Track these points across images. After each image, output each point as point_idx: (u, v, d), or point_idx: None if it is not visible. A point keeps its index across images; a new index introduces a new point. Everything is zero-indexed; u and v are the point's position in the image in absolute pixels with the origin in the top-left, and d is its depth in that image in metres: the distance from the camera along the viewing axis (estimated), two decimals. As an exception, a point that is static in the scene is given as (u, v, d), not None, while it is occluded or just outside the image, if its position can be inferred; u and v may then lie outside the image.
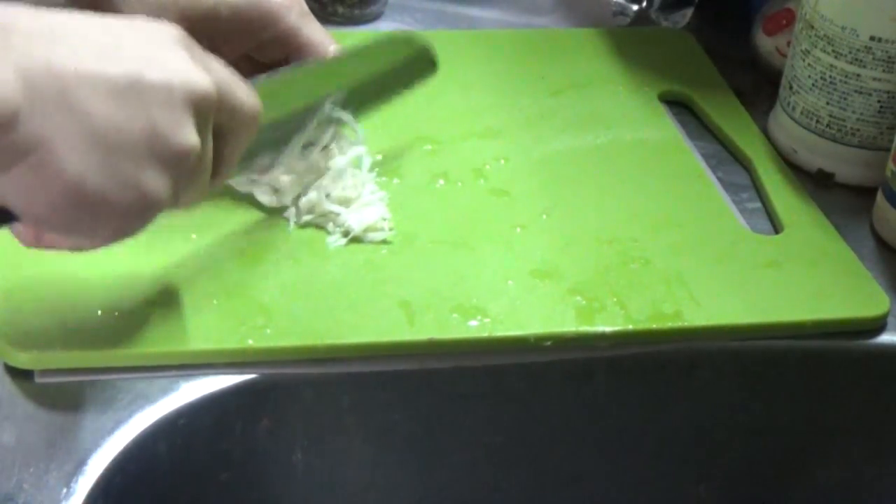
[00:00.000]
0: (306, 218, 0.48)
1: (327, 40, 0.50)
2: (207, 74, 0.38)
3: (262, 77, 0.47)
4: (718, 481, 0.51)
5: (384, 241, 0.48)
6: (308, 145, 0.50)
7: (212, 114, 0.38)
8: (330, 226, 0.48)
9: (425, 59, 0.54)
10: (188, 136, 0.37)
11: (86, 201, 0.35)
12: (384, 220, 0.48)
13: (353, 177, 0.49)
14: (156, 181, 0.36)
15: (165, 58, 0.37)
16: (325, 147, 0.50)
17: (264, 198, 0.49)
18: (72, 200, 0.35)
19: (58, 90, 0.34)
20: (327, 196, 0.48)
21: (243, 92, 0.40)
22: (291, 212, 0.49)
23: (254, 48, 0.50)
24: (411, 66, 0.54)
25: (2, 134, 0.33)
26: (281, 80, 0.48)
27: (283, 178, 0.49)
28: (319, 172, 0.50)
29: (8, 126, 0.33)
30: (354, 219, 0.48)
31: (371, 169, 0.51)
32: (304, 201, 0.48)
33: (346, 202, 0.48)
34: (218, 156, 0.40)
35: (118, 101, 0.35)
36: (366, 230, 0.48)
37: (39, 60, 0.34)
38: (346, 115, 0.50)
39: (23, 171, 0.34)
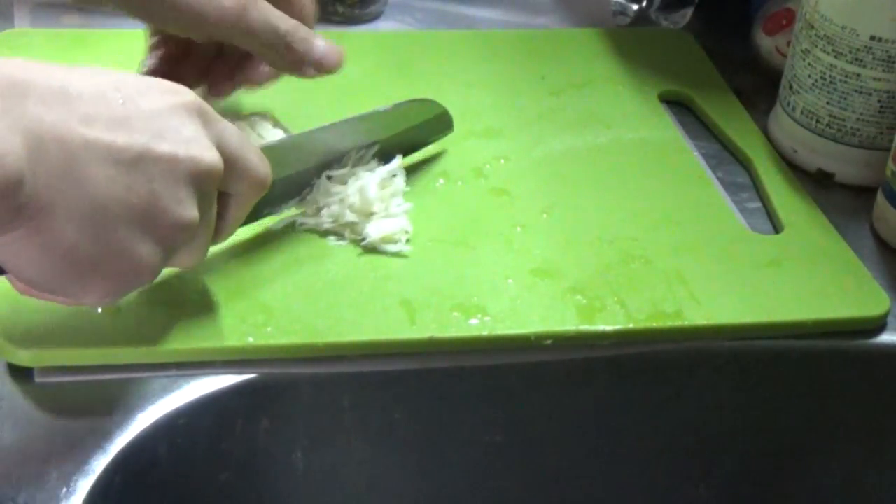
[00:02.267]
0: (326, 226, 0.48)
1: (281, 17, 0.49)
2: (215, 148, 0.38)
3: (276, 140, 0.48)
4: (718, 481, 0.51)
5: (399, 254, 0.47)
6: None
7: (216, 185, 0.39)
8: (347, 232, 0.48)
9: (443, 120, 0.55)
10: (187, 210, 0.37)
11: (76, 266, 0.35)
12: (405, 232, 0.48)
13: (382, 189, 0.49)
14: (147, 252, 0.37)
15: (176, 129, 0.37)
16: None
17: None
18: (63, 264, 0.35)
19: (64, 158, 0.34)
20: (350, 207, 0.48)
21: (254, 158, 0.41)
22: (306, 216, 0.49)
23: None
24: (430, 126, 0.54)
25: (3, 199, 0.32)
26: (295, 141, 0.49)
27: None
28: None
29: (10, 191, 0.32)
30: (373, 228, 0.47)
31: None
32: (325, 212, 0.48)
33: (367, 214, 0.48)
34: (221, 217, 0.41)
35: (122, 173, 0.35)
36: (382, 240, 0.47)
37: (49, 126, 0.33)
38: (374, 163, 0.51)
39: (19, 235, 0.34)
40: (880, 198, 0.53)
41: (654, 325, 0.45)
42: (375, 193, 0.48)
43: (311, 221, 0.48)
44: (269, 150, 0.43)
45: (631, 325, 0.45)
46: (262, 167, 0.41)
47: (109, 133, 0.35)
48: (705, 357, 0.47)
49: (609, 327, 0.45)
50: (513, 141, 0.56)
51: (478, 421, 0.47)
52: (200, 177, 0.37)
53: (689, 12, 0.69)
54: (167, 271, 0.45)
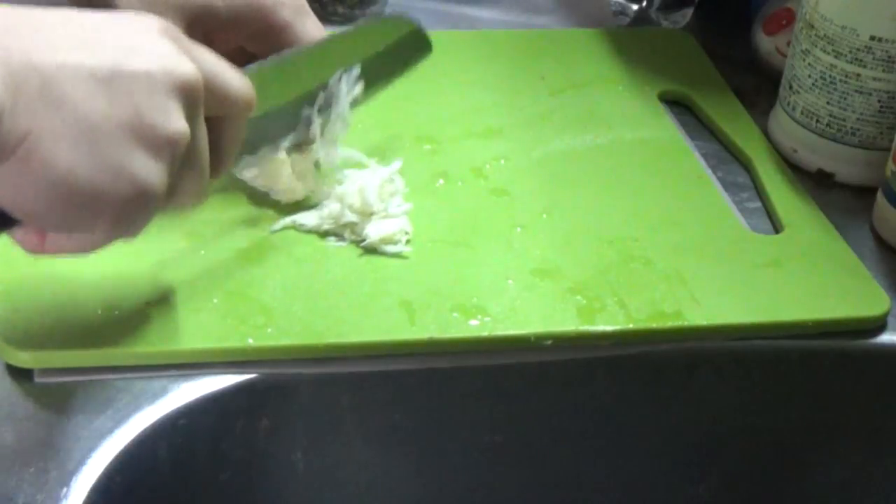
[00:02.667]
0: (326, 227, 0.48)
1: (320, 37, 0.50)
2: (192, 62, 0.37)
3: (255, 65, 0.46)
4: (718, 481, 0.51)
5: (399, 255, 0.47)
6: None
7: (200, 101, 0.38)
8: (347, 233, 0.48)
9: (419, 40, 0.53)
10: (175, 122, 0.36)
11: (78, 193, 0.35)
12: (405, 232, 0.48)
13: (381, 189, 0.49)
14: (147, 169, 0.36)
15: (147, 47, 0.36)
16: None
17: (281, 196, 0.49)
18: (64, 193, 0.35)
19: (40, 83, 0.34)
20: (349, 207, 0.48)
21: (234, 78, 0.40)
22: (305, 216, 0.49)
23: (247, 39, 0.50)
24: (406, 46, 0.53)
25: None
26: (274, 67, 0.47)
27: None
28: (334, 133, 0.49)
29: None
30: (373, 229, 0.47)
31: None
32: (325, 212, 0.48)
33: (367, 214, 0.48)
34: (214, 146, 0.40)
35: (100, 90, 0.35)
36: (382, 241, 0.47)
37: (19, 55, 0.33)
38: (358, 89, 0.50)
39: (11, 167, 0.34)
40: (880, 198, 0.53)
41: (654, 325, 0.45)
42: (375, 194, 0.48)
43: (310, 223, 0.48)
44: (251, 77, 0.42)
45: (631, 326, 0.45)
46: (242, 84, 0.40)
47: (80, 54, 0.35)
48: (705, 357, 0.47)
49: (609, 327, 0.45)
50: (513, 141, 0.56)
51: (478, 421, 0.47)
52: (180, 88, 0.37)
53: (689, 12, 0.69)
54: (166, 271, 0.45)
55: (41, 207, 0.35)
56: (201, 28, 0.48)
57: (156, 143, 0.36)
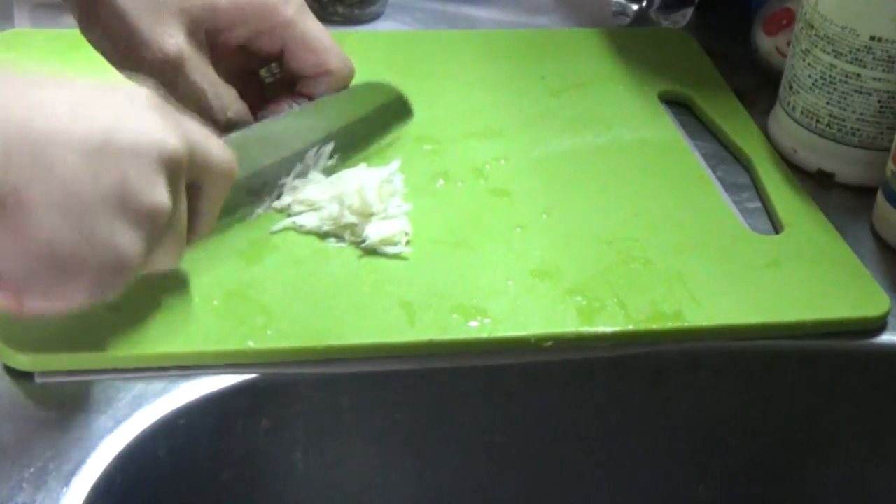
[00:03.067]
0: (326, 228, 0.48)
1: (324, 36, 0.51)
2: (177, 135, 0.38)
3: (237, 133, 0.47)
4: (718, 481, 0.51)
5: (399, 256, 0.47)
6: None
7: (183, 173, 0.39)
8: (347, 234, 0.48)
9: (401, 106, 0.55)
10: (159, 194, 0.37)
11: (58, 260, 0.36)
12: (405, 233, 0.48)
13: (380, 189, 0.49)
14: (128, 240, 0.37)
15: (136, 119, 0.37)
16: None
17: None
18: (45, 260, 0.35)
19: (31, 150, 0.34)
20: (349, 207, 0.48)
21: (216, 147, 0.41)
22: (305, 217, 0.49)
23: (250, 38, 0.50)
24: (388, 112, 0.54)
25: None
26: (255, 133, 0.48)
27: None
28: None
29: None
30: (373, 230, 0.47)
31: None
32: (325, 213, 0.48)
33: (367, 215, 0.48)
34: (194, 212, 0.41)
35: (89, 160, 0.35)
36: (382, 242, 0.47)
37: (13, 125, 0.34)
38: (330, 163, 0.51)
39: None
40: (880, 198, 0.53)
41: (654, 325, 0.45)
42: (375, 195, 0.48)
43: (310, 224, 0.48)
44: (230, 144, 0.43)
45: (631, 326, 0.45)
46: (224, 155, 0.41)
47: (71, 125, 0.35)
48: (705, 358, 0.47)
49: (609, 328, 0.45)
50: (513, 141, 0.56)
51: (478, 422, 0.47)
52: (166, 161, 0.37)
53: (689, 12, 0.69)
54: (166, 273, 0.45)
55: (21, 271, 0.36)
56: (204, 28, 0.48)
57: (138, 214, 0.37)
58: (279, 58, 0.51)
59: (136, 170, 0.36)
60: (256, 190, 0.49)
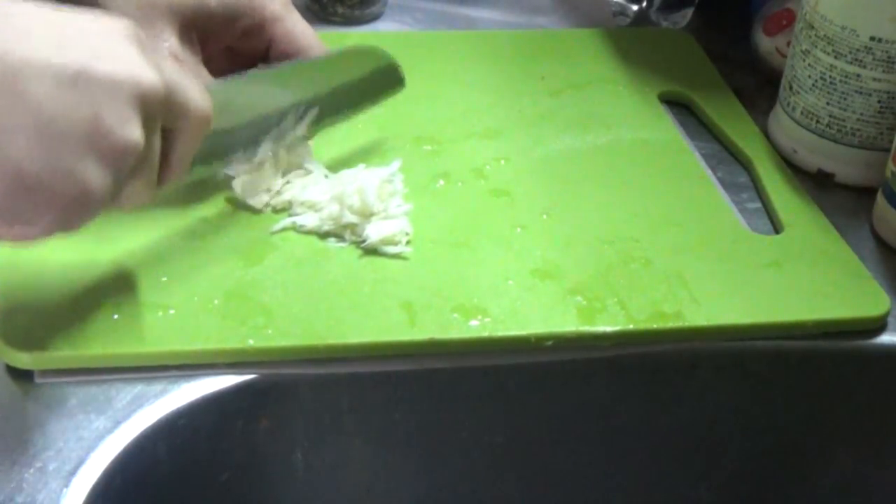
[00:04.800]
0: (326, 228, 0.48)
1: (309, 33, 0.51)
2: (156, 71, 0.38)
3: (219, 81, 0.47)
4: (718, 481, 0.51)
5: (399, 256, 0.47)
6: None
7: (159, 112, 0.38)
8: (347, 234, 0.48)
9: (392, 74, 0.54)
10: (132, 131, 0.37)
11: (24, 186, 0.35)
12: (405, 233, 0.48)
13: (380, 189, 0.49)
14: (96, 173, 0.36)
15: (114, 52, 0.37)
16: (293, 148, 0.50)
17: (257, 201, 0.49)
18: (10, 184, 0.35)
19: (3, 74, 0.34)
20: (349, 207, 0.48)
21: (194, 92, 0.40)
22: (305, 217, 0.49)
23: (237, 36, 0.50)
24: (378, 79, 0.54)
25: None
26: (239, 85, 0.48)
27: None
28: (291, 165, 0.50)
29: None
30: (373, 230, 0.47)
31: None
32: (325, 213, 0.48)
33: (367, 215, 0.48)
34: (166, 157, 0.41)
35: (63, 90, 0.35)
36: (382, 241, 0.47)
37: None
38: (306, 132, 0.51)
39: None
40: (880, 198, 0.53)
41: (655, 325, 0.45)
42: (375, 194, 0.48)
43: (310, 223, 0.48)
44: (213, 93, 0.42)
45: (631, 326, 0.45)
46: (202, 99, 0.41)
47: (47, 52, 0.35)
48: (705, 358, 0.47)
49: (609, 328, 0.45)
50: (513, 141, 0.56)
51: (478, 422, 0.47)
52: (142, 97, 0.37)
53: (689, 12, 0.69)
54: (166, 273, 0.45)
55: None
56: (196, 27, 0.48)
57: (109, 149, 0.36)
58: (265, 57, 0.51)
59: (110, 103, 0.36)
60: (232, 144, 0.48)
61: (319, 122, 0.51)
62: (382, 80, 0.54)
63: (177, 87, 0.39)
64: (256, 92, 0.49)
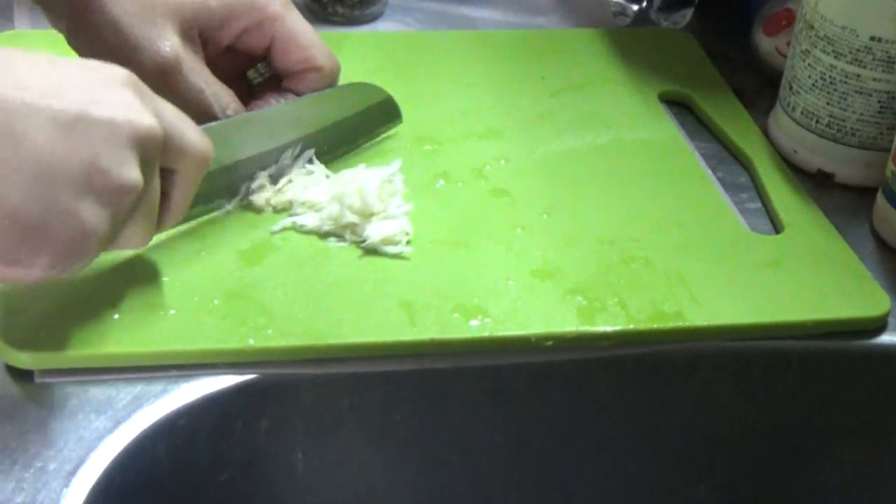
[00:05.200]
0: (326, 228, 0.48)
1: (310, 32, 0.51)
2: (153, 115, 0.38)
3: (216, 122, 0.47)
4: (718, 481, 0.51)
5: (399, 256, 0.47)
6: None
7: (157, 154, 0.39)
8: (347, 234, 0.48)
9: (389, 109, 0.55)
10: (130, 172, 0.37)
11: (22, 229, 0.36)
12: (406, 233, 0.48)
13: (381, 189, 0.49)
14: (93, 215, 0.37)
15: (112, 97, 0.37)
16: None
17: (257, 200, 0.49)
18: (9, 226, 0.36)
19: (3, 120, 0.35)
20: (349, 207, 0.48)
21: (193, 133, 0.41)
22: (306, 217, 0.49)
23: (238, 36, 0.50)
24: (375, 114, 0.54)
25: None
26: (236, 124, 0.48)
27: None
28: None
29: None
30: (374, 230, 0.47)
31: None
32: (325, 213, 0.48)
33: (367, 215, 0.48)
34: (167, 196, 0.41)
35: (61, 134, 0.36)
36: (383, 241, 0.47)
37: None
38: (311, 166, 0.51)
39: None
40: (880, 198, 0.53)
41: (655, 325, 0.45)
42: (375, 194, 0.48)
43: (311, 223, 0.48)
44: (208, 132, 0.43)
45: (631, 326, 0.45)
46: (201, 141, 0.41)
47: (45, 98, 0.36)
48: (706, 357, 0.47)
49: (610, 328, 0.45)
50: (513, 141, 0.56)
51: (478, 422, 0.47)
52: (140, 140, 0.38)
53: (689, 12, 0.69)
54: (167, 272, 0.45)
55: None
56: (197, 26, 0.48)
57: (107, 191, 0.37)
58: (265, 56, 0.51)
59: (108, 146, 0.37)
60: (232, 182, 0.49)
61: (319, 158, 0.52)
62: (380, 114, 0.54)
63: (175, 130, 0.40)
64: (254, 129, 0.49)
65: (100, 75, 0.38)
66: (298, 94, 0.51)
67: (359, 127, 0.54)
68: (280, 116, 0.50)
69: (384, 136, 0.55)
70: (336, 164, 0.52)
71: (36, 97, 0.36)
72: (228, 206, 0.49)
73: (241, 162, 0.49)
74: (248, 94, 0.52)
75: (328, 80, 0.51)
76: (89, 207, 0.37)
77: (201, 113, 0.47)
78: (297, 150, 0.51)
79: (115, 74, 0.38)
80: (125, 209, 0.38)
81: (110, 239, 0.39)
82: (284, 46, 0.50)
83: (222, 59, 0.50)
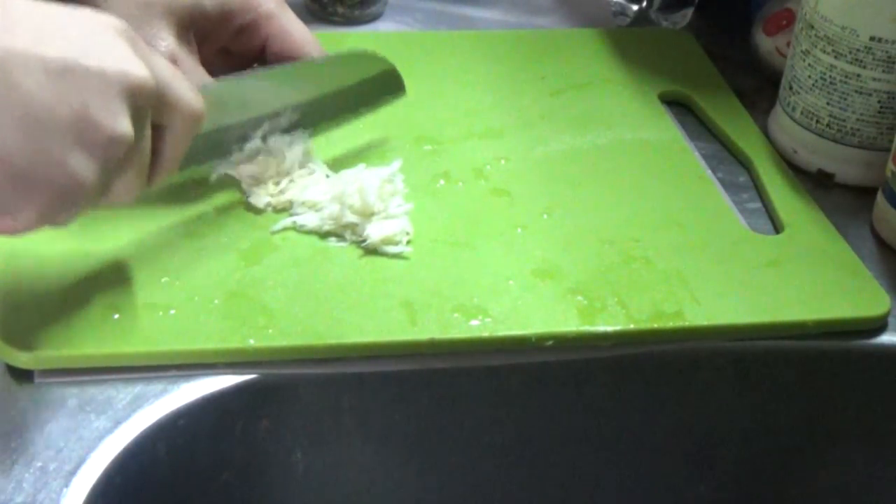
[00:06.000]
0: (327, 228, 0.48)
1: (304, 30, 0.51)
2: (146, 67, 0.38)
3: (215, 80, 0.47)
4: (718, 481, 0.51)
5: (399, 256, 0.47)
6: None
7: (149, 106, 0.38)
8: (348, 234, 0.48)
9: (393, 80, 0.54)
10: (120, 123, 0.37)
11: (10, 176, 0.35)
12: (406, 233, 0.48)
13: (381, 189, 0.49)
14: (83, 165, 0.36)
15: (104, 47, 0.37)
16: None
17: (257, 200, 0.49)
18: None
19: None
20: (350, 207, 0.48)
21: (186, 89, 0.41)
22: (306, 217, 0.49)
23: (232, 35, 0.50)
24: (378, 84, 0.54)
25: None
26: (234, 85, 0.48)
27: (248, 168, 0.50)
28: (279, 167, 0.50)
29: None
30: (374, 229, 0.47)
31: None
32: (326, 213, 0.48)
33: (368, 215, 0.48)
34: (157, 152, 0.41)
35: (52, 82, 0.35)
36: (383, 241, 0.47)
37: None
38: (298, 137, 0.51)
39: None
40: (880, 198, 0.53)
41: (655, 325, 0.45)
42: (375, 194, 0.48)
43: (311, 223, 0.48)
44: (205, 93, 0.43)
45: (632, 326, 0.45)
46: (193, 97, 0.41)
47: (37, 45, 0.35)
48: (706, 357, 0.47)
49: (610, 328, 0.45)
50: (513, 141, 0.56)
51: (478, 422, 0.47)
52: (132, 91, 0.37)
53: (689, 12, 0.69)
54: (167, 272, 0.45)
55: None
56: (193, 27, 0.48)
57: (96, 141, 0.36)
58: (259, 57, 0.51)
59: (99, 96, 0.36)
60: (225, 142, 0.48)
61: (317, 125, 0.51)
62: (383, 85, 0.54)
63: (168, 84, 0.39)
64: (252, 92, 0.49)
65: (94, 23, 0.37)
66: None
67: (361, 96, 0.53)
68: (279, 79, 0.50)
69: (387, 138, 0.55)
70: (334, 135, 0.52)
71: (28, 44, 0.35)
72: (220, 170, 0.49)
73: (236, 124, 0.48)
74: None
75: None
76: (79, 157, 0.36)
77: None
78: (294, 112, 0.50)
79: (109, 23, 0.38)
80: (115, 161, 0.37)
81: (99, 191, 0.38)
82: (279, 45, 0.50)
83: (217, 61, 0.50)
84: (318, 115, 0.51)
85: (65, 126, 0.36)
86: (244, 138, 0.49)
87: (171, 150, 0.41)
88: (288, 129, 0.50)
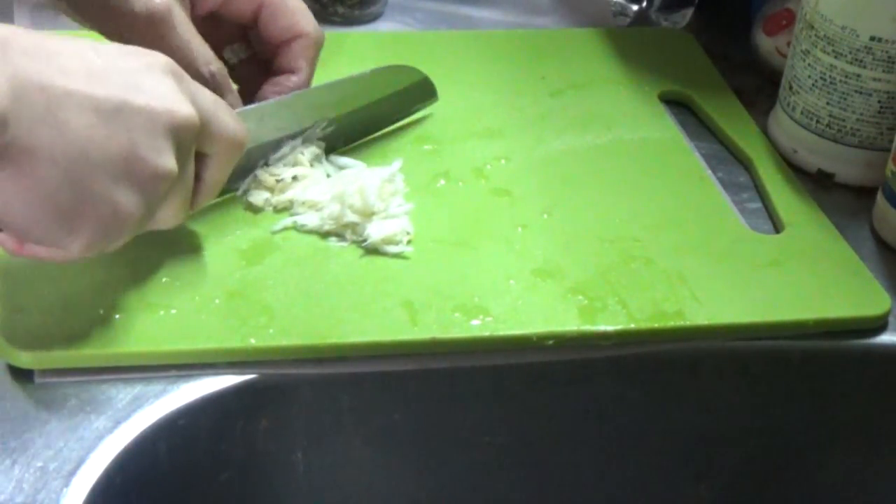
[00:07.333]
0: (327, 227, 0.48)
1: (298, 1, 0.51)
2: (191, 103, 0.39)
3: (251, 106, 0.48)
4: (718, 481, 0.51)
5: (400, 255, 0.47)
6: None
7: (193, 140, 0.40)
8: (348, 233, 0.48)
9: (425, 88, 0.56)
10: (166, 161, 0.38)
11: (59, 213, 0.37)
12: (406, 233, 0.48)
13: (382, 189, 0.49)
14: (129, 199, 0.38)
15: (152, 85, 0.38)
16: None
17: (258, 200, 0.49)
18: (47, 211, 0.37)
19: (45, 104, 0.35)
20: (350, 207, 0.48)
21: (229, 119, 0.42)
22: (306, 217, 0.49)
23: (226, 1, 0.50)
24: (411, 93, 0.55)
25: None
26: (271, 108, 0.49)
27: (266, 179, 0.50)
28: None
29: None
30: (375, 229, 0.47)
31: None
32: (326, 213, 0.48)
33: (368, 215, 0.48)
34: (201, 179, 0.42)
35: (102, 122, 0.37)
36: (383, 241, 0.47)
37: (31, 75, 0.35)
38: (320, 147, 0.51)
39: (4, 176, 0.35)
40: (880, 198, 0.53)
41: (656, 325, 0.45)
42: (376, 194, 0.48)
43: (311, 223, 0.48)
44: (243, 116, 0.44)
45: (632, 326, 0.45)
46: (236, 127, 0.43)
47: (88, 85, 0.37)
48: (706, 357, 0.47)
49: (610, 327, 0.45)
50: (513, 141, 0.56)
51: (478, 421, 0.47)
52: (177, 128, 0.39)
53: (689, 12, 0.69)
54: (167, 272, 0.45)
55: (23, 219, 0.37)
56: (204, 8, 0.49)
57: (143, 177, 0.38)
58: (247, 28, 0.51)
59: (145, 134, 0.38)
60: (257, 159, 0.49)
61: (351, 138, 0.52)
62: (416, 93, 0.55)
63: (211, 116, 0.41)
64: (288, 112, 0.50)
65: (141, 62, 0.39)
66: (290, 70, 0.51)
67: (394, 105, 0.54)
68: (314, 99, 0.51)
69: (387, 138, 0.55)
70: (371, 146, 0.53)
71: (82, 85, 0.36)
72: (242, 186, 0.49)
73: (270, 143, 0.49)
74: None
75: (313, 48, 0.52)
76: (125, 193, 0.38)
77: (185, 67, 0.47)
78: (322, 125, 0.51)
79: (156, 62, 0.39)
80: (160, 193, 0.39)
81: (144, 221, 0.40)
82: (272, 11, 0.51)
83: (203, 29, 0.51)
84: (354, 128, 0.52)
85: (112, 164, 0.37)
86: (275, 151, 0.50)
87: (214, 176, 0.43)
88: (322, 139, 0.51)
